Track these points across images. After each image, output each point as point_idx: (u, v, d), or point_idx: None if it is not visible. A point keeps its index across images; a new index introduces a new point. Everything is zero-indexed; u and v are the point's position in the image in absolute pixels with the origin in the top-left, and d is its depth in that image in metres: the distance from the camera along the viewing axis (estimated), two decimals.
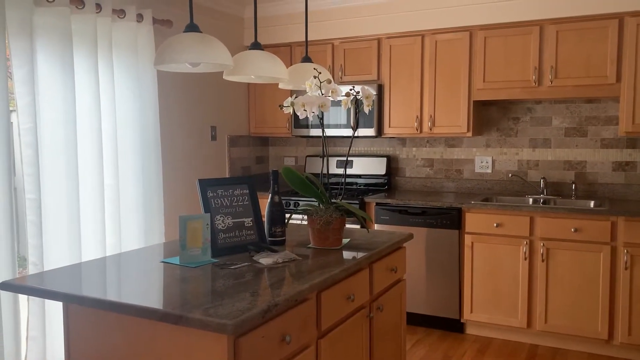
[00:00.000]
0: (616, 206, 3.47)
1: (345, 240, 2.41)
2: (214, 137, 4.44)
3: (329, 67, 4.43)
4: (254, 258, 2.07)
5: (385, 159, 4.52)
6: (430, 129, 4.09)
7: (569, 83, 3.64)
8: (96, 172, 3.26)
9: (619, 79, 3.52)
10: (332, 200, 2.27)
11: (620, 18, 3.50)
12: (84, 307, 1.69)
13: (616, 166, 3.90)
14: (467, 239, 3.73)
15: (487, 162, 4.29)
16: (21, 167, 2.89)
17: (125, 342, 1.64)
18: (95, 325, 1.70)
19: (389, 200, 3.99)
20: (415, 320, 4.00)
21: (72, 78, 3.07)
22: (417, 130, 4.14)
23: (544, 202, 3.91)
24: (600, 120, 3.93)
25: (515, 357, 3.47)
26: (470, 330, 3.89)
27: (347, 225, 3.74)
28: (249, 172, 4.90)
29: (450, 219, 3.78)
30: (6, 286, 1.78)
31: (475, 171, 4.34)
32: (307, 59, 2.54)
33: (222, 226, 2.17)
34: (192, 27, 1.99)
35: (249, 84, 4.83)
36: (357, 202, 4.04)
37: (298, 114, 2.16)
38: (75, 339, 1.75)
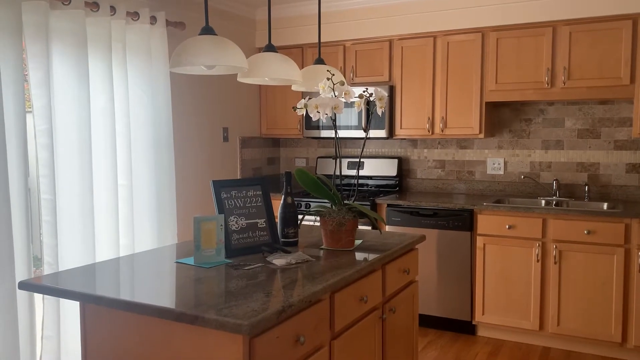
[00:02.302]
0: (630, 208, 3.45)
1: (357, 242, 2.41)
2: (225, 139, 4.47)
3: (341, 68, 4.43)
4: (268, 259, 2.08)
5: (396, 160, 4.52)
6: (442, 131, 4.08)
7: (582, 84, 3.62)
8: (110, 173, 3.29)
9: (632, 80, 3.50)
10: (345, 202, 2.27)
11: (634, 19, 3.47)
12: (100, 306, 1.71)
13: (630, 168, 3.87)
14: (479, 241, 3.72)
15: (499, 164, 4.27)
16: (36, 168, 2.93)
17: (141, 342, 1.65)
18: (112, 324, 1.71)
19: (400, 202, 3.99)
20: (427, 322, 3.99)
21: (87, 80, 3.10)
22: (428, 131, 4.13)
23: (557, 204, 3.89)
24: (613, 121, 3.90)
25: None
26: (482, 332, 3.87)
27: (359, 227, 3.74)
28: (260, 173, 4.92)
29: (462, 220, 3.77)
30: (25, 286, 1.81)
31: (487, 173, 4.32)
32: (319, 61, 2.55)
33: (235, 227, 2.19)
34: (207, 30, 2.01)
35: (260, 86, 4.85)
36: (368, 203, 4.04)
37: (311, 115, 2.17)
38: (92, 338, 1.77)
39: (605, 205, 3.72)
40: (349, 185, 4.68)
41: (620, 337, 3.38)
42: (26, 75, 2.87)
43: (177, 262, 2.08)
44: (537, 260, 3.56)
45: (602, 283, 3.41)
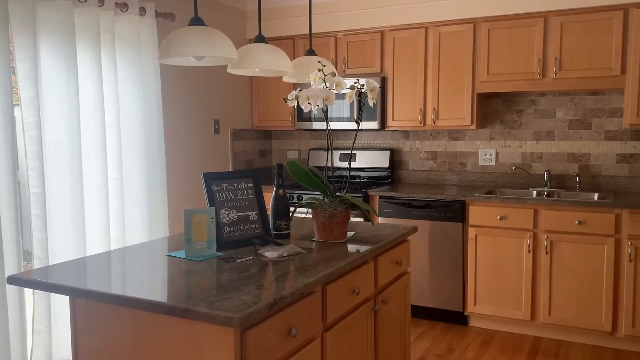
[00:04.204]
0: (620, 198, 3.47)
1: (349, 234, 2.41)
2: (217, 131, 4.44)
3: (332, 59, 4.41)
4: (259, 251, 2.07)
5: (388, 152, 4.52)
6: (434, 122, 4.08)
7: (574, 75, 3.63)
8: (100, 166, 3.26)
9: (623, 70, 3.50)
10: (337, 194, 2.27)
11: (625, 9, 3.48)
12: (90, 301, 1.70)
13: (620, 158, 3.89)
14: (471, 232, 3.73)
15: (490, 155, 4.28)
16: (25, 162, 2.90)
17: (132, 336, 1.64)
18: (102, 318, 1.70)
19: (392, 194, 3.99)
20: (419, 312, 4.01)
21: (75, 72, 3.07)
22: (420, 123, 4.13)
23: (548, 195, 3.90)
24: (604, 112, 3.92)
25: (518, 350, 3.48)
26: (473, 322, 3.89)
27: (351, 219, 3.74)
28: (252, 165, 4.90)
29: (454, 211, 3.78)
30: (13, 280, 1.79)
31: (479, 164, 4.33)
32: (311, 52, 2.54)
33: (227, 220, 2.18)
34: (196, 21, 1.98)
35: (251, 77, 4.82)
36: (360, 195, 4.04)
37: (302, 107, 2.16)
38: (82, 332, 1.75)
39: (596, 196, 3.74)
40: (341, 177, 4.67)
41: (611, 327, 3.41)
42: (13, 67, 2.83)
43: (168, 255, 2.07)
44: (529, 251, 3.57)
45: (592, 273, 3.43)
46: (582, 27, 3.59)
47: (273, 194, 2.33)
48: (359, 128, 4.40)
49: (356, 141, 4.78)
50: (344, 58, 4.37)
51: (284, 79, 2.59)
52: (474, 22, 3.91)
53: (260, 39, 2.29)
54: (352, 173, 4.66)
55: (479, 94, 3.97)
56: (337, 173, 4.72)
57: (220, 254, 2.07)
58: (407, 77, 4.15)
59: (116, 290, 1.64)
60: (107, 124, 3.34)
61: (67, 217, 3.06)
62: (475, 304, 3.77)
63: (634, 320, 3.35)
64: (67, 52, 3.02)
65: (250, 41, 4.73)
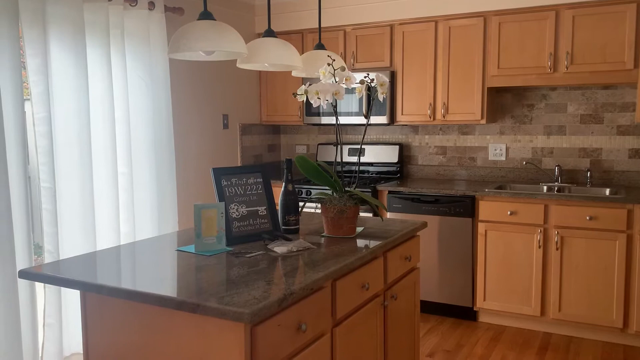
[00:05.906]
0: (632, 194, 3.43)
1: (359, 229, 2.40)
2: (226, 126, 4.44)
3: (341, 54, 4.39)
4: (269, 246, 2.07)
5: (397, 146, 4.50)
6: (444, 117, 4.06)
7: (585, 69, 3.59)
8: (110, 160, 3.27)
9: (636, 64, 3.46)
10: (346, 189, 2.26)
11: (638, 2, 3.43)
12: (101, 295, 1.71)
13: (632, 153, 3.85)
14: (481, 227, 3.71)
15: (500, 150, 4.25)
16: (36, 156, 2.91)
17: (142, 330, 1.65)
18: (113, 313, 1.71)
19: (401, 189, 3.97)
20: (429, 308, 4.00)
21: (85, 67, 3.07)
22: (430, 117, 4.10)
23: (559, 190, 3.87)
24: (616, 106, 3.87)
25: (528, 346, 3.47)
26: (483, 318, 3.88)
27: (360, 214, 3.73)
28: (261, 160, 4.90)
29: (463, 207, 3.76)
30: (25, 274, 1.80)
31: (489, 159, 4.30)
32: (320, 46, 2.52)
33: (236, 215, 2.17)
34: (206, 15, 1.98)
35: (260, 72, 4.81)
36: (369, 190, 4.02)
37: (312, 102, 2.15)
38: (93, 326, 1.76)
39: (607, 191, 3.71)
40: (350, 172, 4.66)
41: (622, 323, 3.38)
42: (23, 62, 2.84)
43: (178, 250, 2.08)
44: (539, 247, 3.55)
45: (604, 269, 3.40)
46: (594, 21, 3.54)
47: (282, 189, 2.32)
48: (368, 123, 4.40)
49: (365, 136, 4.77)
50: (353, 52, 4.35)
51: (293, 74, 2.58)
52: (485, 16, 3.87)
53: (269, 33, 2.29)
54: (361, 168, 4.65)
55: (489, 88, 3.94)
56: (346, 168, 4.71)
57: (230, 248, 2.07)
58: (417, 71, 4.13)
59: (126, 284, 1.64)
60: (117, 119, 3.35)
61: (77, 212, 3.07)
62: (484, 300, 3.76)
63: None
64: (76, 47, 3.02)
65: (259, 35, 4.72)
